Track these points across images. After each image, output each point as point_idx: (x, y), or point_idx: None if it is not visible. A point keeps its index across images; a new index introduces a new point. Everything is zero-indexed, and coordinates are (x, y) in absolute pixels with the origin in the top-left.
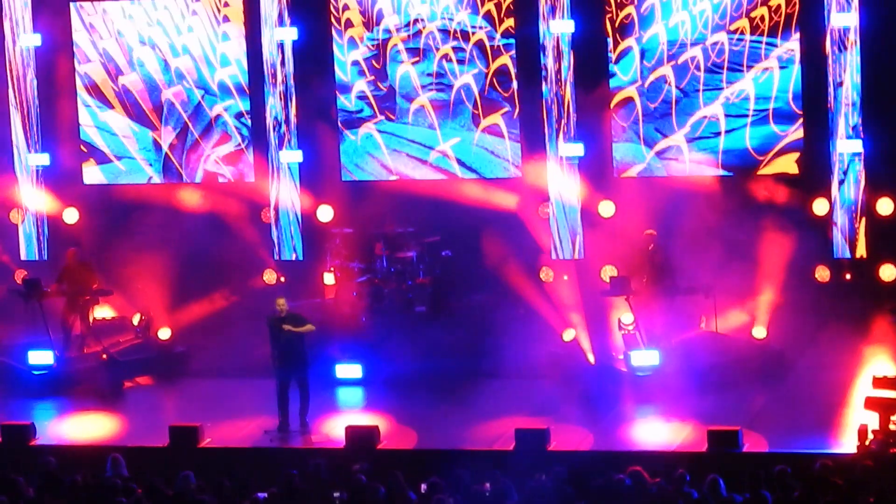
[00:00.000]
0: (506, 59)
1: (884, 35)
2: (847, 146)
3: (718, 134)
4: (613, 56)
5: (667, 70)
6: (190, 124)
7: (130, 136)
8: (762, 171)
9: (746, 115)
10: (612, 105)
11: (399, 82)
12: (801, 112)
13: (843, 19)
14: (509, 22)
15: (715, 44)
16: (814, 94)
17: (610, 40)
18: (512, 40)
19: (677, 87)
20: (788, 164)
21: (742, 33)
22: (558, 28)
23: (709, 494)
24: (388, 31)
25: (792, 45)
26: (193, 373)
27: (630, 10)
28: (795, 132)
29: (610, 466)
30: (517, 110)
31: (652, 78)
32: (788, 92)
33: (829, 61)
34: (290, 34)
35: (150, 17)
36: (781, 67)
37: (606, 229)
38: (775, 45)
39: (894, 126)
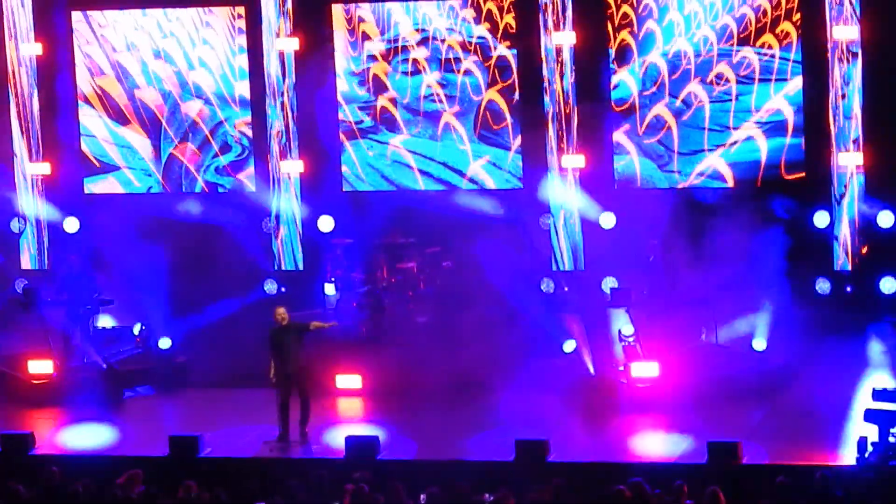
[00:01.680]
0: (509, 71)
1: (886, 48)
2: (848, 159)
3: (721, 146)
4: (616, 67)
5: (671, 82)
6: (190, 134)
7: (130, 145)
8: (765, 184)
9: (752, 128)
10: (613, 116)
11: (401, 93)
12: (803, 125)
13: (845, 32)
14: (511, 33)
15: (721, 55)
16: (816, 106)
17: (612, 52)
18: (514, 51)
19: (681, 100)
20: (792, 177)
21: (753, 46)
22: (560, 40)
23: None
24: (389, 41)
25: (795, 58)
26: (193, 383)
27: (630, 12)
28: (797, 145)
29: (610, 478)
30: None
31: (655, 90)
32: (792, 105)
33: (831, 74)
34: (291, 45)
35: (138, 23)
36: (786, 80)
37: (607, 241)
38: (781, 58)
39: (895, 138)
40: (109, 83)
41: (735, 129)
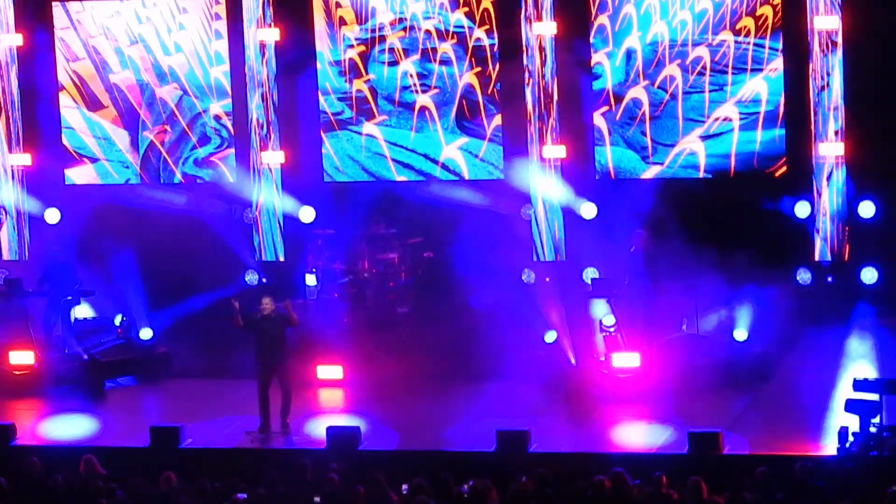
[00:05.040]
0: (490, 61)
1: (867, 38)
2: (830, 149)
3: (706, 138)
4: (604, 60)
5: (654, 72)
6: (170, 125)
7: (109, 136)
8: (746, 175)
9: (735, 120)
10: (595, 106)
11: (381, 83)
12: (784, 115)
13: (827, 22)
14: (493, 23)
15: (705, 45)
16: (797, 97)
17: (595, 41)
18: (495, 40)
19: (665, 90)
20: (773, 167)
21: (736, 33)
22: (541, 30)
23: (690, 496)
24: (370, 30)
25: (777, 47)
26: (174, 373)
27: (622, 9)
28: (779, 135)
29: (591, 468)
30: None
31: (639, 80)
32: (774, 95)
33: (813, 64)
34: (272, 35)
35: (140, 14)
36: (770, 70)
37: (588, 231)
38: (763, 47)
39: (877, 129)
40: (87, 72)
41: (715, 118)
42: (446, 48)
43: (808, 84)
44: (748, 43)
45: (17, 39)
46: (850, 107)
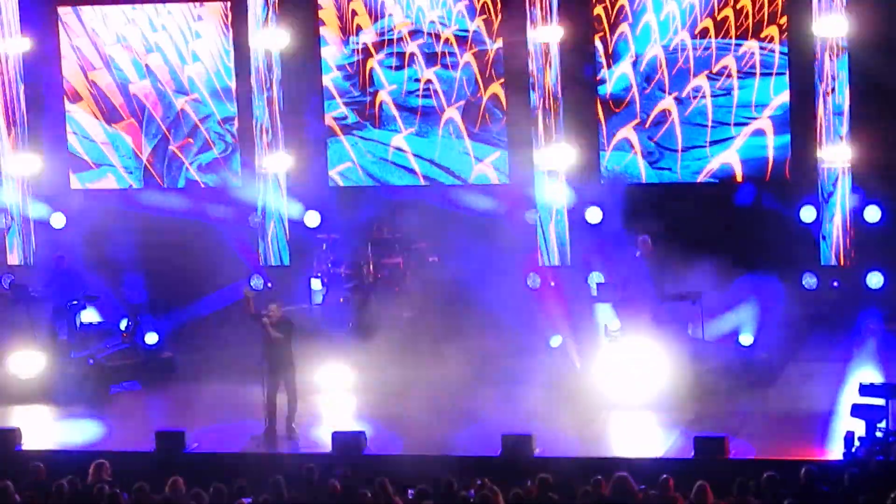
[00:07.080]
0: (493, 66)
1: (872, 43)
2: (835, 154)
3: (710, 143)
4: (604, 62)
5: (659, 76)
6: (173, 129)
7: (113, 142)
8: (752, 179)
9: (738, 125)
10: (600, 111)
11: (384, 88)
12: (789, 120)
13: (833, 26)
14: (498, 28)
15: (707, 49)
16: (802, 101)
17: (600, 46)
18: (500, 44)
19: (670, 94)
20: (779, 172)
21: (738, 38)
22: (546, 35)
23: (695, 501)
24: (372, 35)
25: (782, 51)
26: (180, 378)
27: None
28: (784, 140)
29: (596, 473)
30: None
31: (644, 84)
32: (780, 99)
33: (817, 69)
34: (278, 40)
35: (128, 16)
36: (778, 74)
37: (594, 236)
38: (767, 53)
39: (882, 133)
40: (98, 77)
41: (725, 124)
42: (452, 52)
43: (814, 89)
44: (755, 49)
45: (24, 44)
46: (855, 111)
